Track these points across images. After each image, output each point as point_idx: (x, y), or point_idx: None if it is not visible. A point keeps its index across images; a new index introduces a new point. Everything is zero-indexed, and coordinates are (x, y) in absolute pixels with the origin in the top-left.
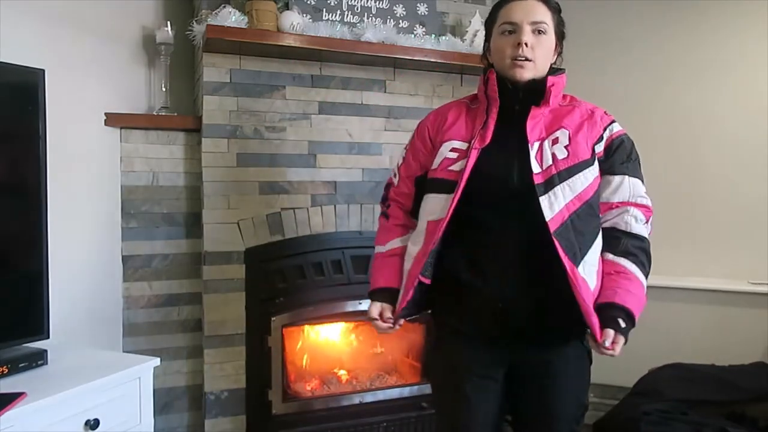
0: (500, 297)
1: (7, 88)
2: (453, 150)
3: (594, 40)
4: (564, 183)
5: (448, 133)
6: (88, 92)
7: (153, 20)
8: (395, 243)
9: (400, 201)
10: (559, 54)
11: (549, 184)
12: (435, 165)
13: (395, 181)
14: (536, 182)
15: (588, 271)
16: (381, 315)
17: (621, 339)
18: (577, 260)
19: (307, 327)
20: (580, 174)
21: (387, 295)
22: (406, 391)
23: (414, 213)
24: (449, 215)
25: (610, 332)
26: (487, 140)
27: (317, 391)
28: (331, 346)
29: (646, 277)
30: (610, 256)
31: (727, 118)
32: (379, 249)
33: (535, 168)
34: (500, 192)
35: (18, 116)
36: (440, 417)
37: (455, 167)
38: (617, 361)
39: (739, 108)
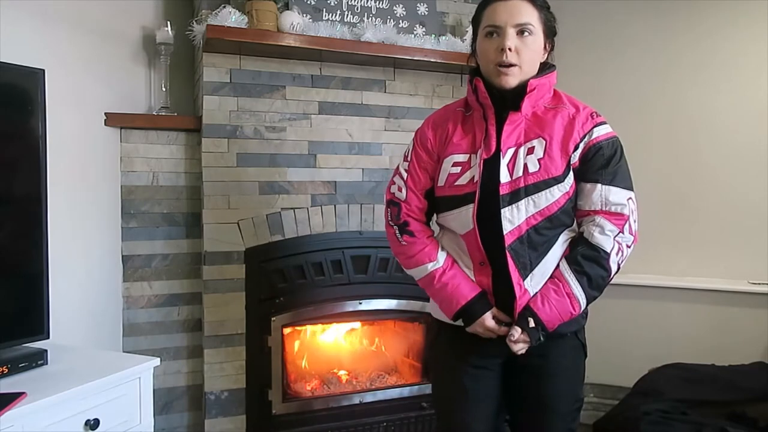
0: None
1: (7, 88)
2: (455, 164)
3: (594, 40)
4: (529, 197)
5: (449, 148)
6: (88, 92)
7: (153, 20)
8: (443, 255)
9: (415, 216)
10: (551, 51)
11: (514, 197)
12: (441, 182)
13: (402, 196)
14: (501, 192)
15: (536, 282)
16: (498, 320)
17: (524, 339)
18: (525, 273)
19: (307, 327)
20: (547, 191)
21: (485, 300)
22: (406, 391)
23: (427, 225)
24: (475, 224)
25: (517, 330)
26: (492, 150)
27: (317, 391)
28: (331, 346)
29: (592, 287)
30: (561, 262)
31: (727, 118)
32: (433, 266)
33: (504, 177)
34: (490, 198)
35: (18, 116)
36: (439, 410)
37: (461, 181)
38: (617, 361)
39: (739, 108)
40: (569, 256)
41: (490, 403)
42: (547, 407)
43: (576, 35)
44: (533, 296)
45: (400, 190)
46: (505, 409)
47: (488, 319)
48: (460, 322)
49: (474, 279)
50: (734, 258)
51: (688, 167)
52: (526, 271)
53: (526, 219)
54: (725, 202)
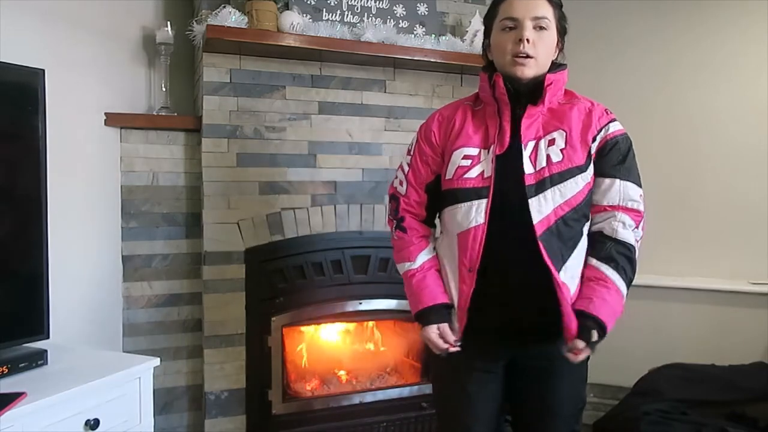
0: (504, 297)
1: (7, 88)
2: (465, 157)
3: (594, 39)
4: (555, 187)
5: (459, 141)
6: (88, 92)
7: (153, 20)
8: (424, 256)
9: (413, 211)
10: (561, 50)
11: (540, 187)
12: (449, 175)
13: (402, 190)
14: (527, 183)
15: (569, 276)
16: (442, 336)
17: (587, 351)
18: (559, 265)
19: (307, 327)
20: (572, 180)
21: (442, 312)
22: (406, 391)
23: (428, 222)
24: (487, 220)
25: (581, 343)
26: (506, 145)
27: (317, 391)
28: (331, 346)
29: (628, 284)
30: (593, 261)
31: (727, 118)
32: (409, 266)
33: (528, 168)
34: (508, 193)
35: (18, 116)
36: (440, 412)
37: (470, 174)
38: (617, 361)
39: (739, 108)
40: (601, 254)
41: (492, 404)
42: (550, 409)
43: (576, 35)
44: (593, 305)
45: (401, 184)
46: (506, 411)
47: (431, 334)
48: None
49: (456, 287)
50: (735, 258)
51: (688, 167)
52: (559, 263)
53: (554, 209)
54: (725, 202)
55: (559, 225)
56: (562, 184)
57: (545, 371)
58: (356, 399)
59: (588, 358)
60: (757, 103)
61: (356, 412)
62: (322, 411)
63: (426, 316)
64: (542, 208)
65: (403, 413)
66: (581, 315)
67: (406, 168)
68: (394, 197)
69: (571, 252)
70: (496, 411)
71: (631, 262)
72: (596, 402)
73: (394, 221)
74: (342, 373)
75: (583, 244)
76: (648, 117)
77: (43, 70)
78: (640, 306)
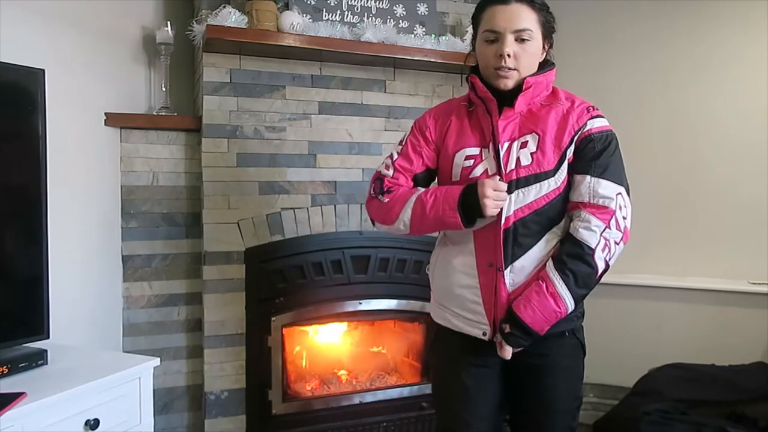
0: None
1: (7, 88)
2: (468, 157)
3: (594, 40)
4: (519, 190)
5: (461, 142)
6: (88, 92)
7: (153, 20)
8: (421, 190)
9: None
10: (549, 48)
11: (507, 189)
12: (456, 177)
13: (389, 173)
14: None
15: (515, 274)
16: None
17: (507, 346)
18: (505, 264)
19: (307, 327)
20: (537, 184)
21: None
22: (406, 391)
23: None
24: (500, 216)
25: (497, 337)
26: (501, 142)
27: (317, 391)
28: (331, 346)
29: (578, 285)
30: (548, 261)
31: (727, 118)
32: (415, 196)
33: (502, 169)
34: None
35: (18, 116)
36: (439, 408)
37: (476, 173)
38: (617, 361)
39: (739, 108)
40: (555, 255)
41: (491, 401)
42: (547, 405)
43: (576, 34)
44: (516, 300)
45: (387, 168)
46: (504, 409)
47: (492, 181)
48: (455, 327)
49: (478, 283)
50: (734, 258)
51: (688, 167)
52: (506, 262)
53: (514, 211)
54: (725, 201)
55: (517, 226)
56: (526, 188)
57: (541, 367)
58: (356, 399)
59: (584, 355)
60: (757, 104)
61: (356, 412)
62: (322, 411)
63: (471, 191)
64: (505, 209)
65: (403, 413)
66: (507, 312)
67: (396, 155)
68: (378, 179)
69: (524, 252)
70: (496, 408)
71: (586, 262)
72: (596, 402)
73: (378, 195)
74: (342, 373)
75: (541, 245)
76: (648, 117)
77: (43, 70)
78: (640, 306)
